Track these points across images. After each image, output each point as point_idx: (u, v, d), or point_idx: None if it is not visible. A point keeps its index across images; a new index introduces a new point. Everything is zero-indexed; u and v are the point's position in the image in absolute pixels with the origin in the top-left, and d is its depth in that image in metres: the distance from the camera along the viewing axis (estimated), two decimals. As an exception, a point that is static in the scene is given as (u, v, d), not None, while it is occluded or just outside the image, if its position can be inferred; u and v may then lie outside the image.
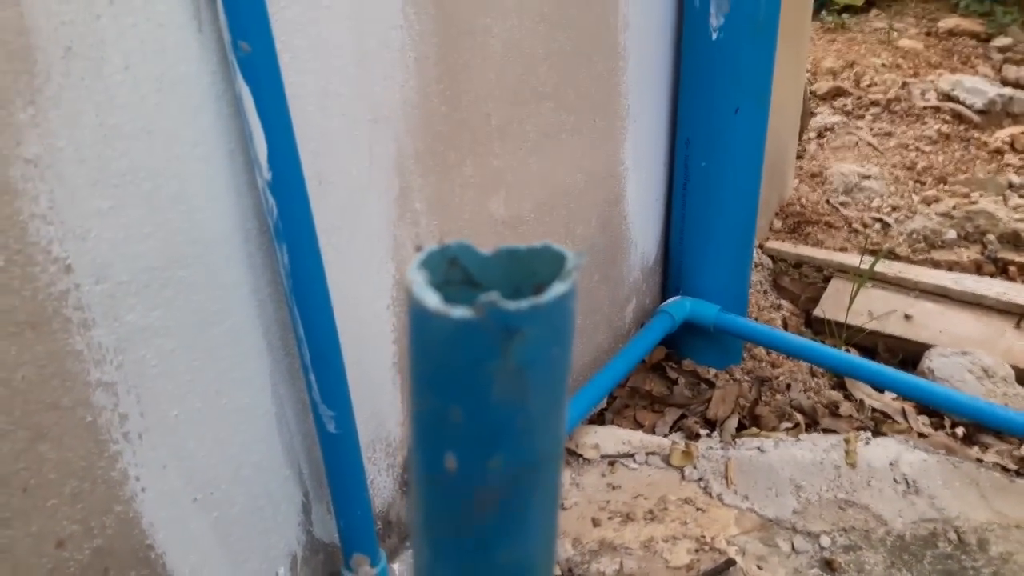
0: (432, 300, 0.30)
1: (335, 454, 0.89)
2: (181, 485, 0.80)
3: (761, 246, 2.17)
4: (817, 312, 1.90)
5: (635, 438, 1.44)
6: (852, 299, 1.77)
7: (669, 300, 1.65)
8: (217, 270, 0.78)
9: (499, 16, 1.03)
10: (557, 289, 0.30)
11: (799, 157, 2.62)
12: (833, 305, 1.90)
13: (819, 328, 1.88)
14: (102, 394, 0.70)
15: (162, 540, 0.79)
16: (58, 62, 0.60)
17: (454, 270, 0.34)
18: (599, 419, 1.56)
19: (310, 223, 0.79)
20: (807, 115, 2.61)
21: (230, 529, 0.87)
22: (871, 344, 1.81)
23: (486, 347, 0.29)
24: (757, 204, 1.61)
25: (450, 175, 1.02)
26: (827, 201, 2.36)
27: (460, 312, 0.29)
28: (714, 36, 1.41)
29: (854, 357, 1.54)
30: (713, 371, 1.69)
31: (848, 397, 1.63)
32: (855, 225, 2.26)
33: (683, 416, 1.57)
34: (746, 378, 1.67)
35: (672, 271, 1.73)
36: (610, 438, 1.44)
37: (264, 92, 0.71)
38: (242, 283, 0.80)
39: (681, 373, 1.69)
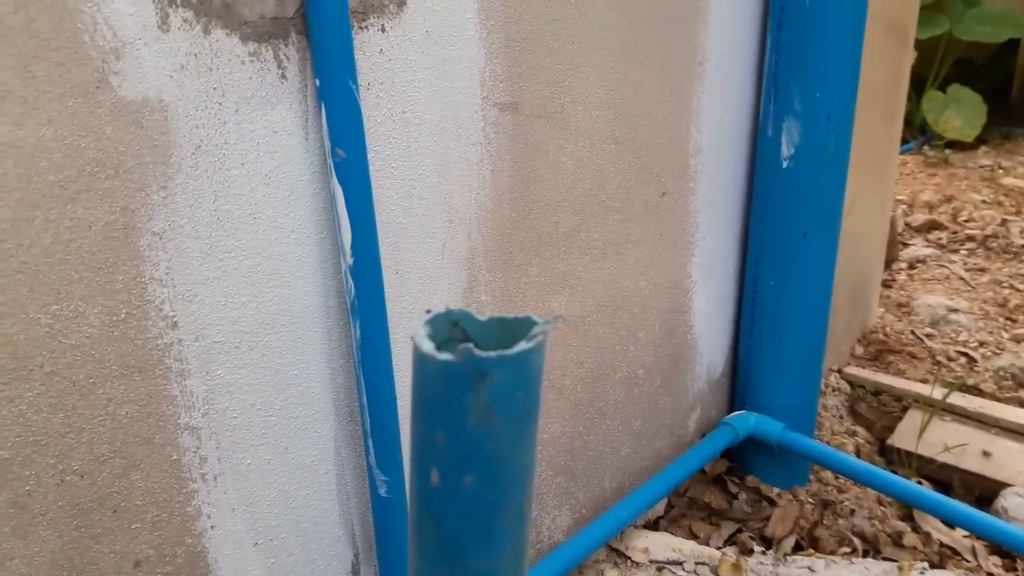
0: (427, 346, 0.39)
1: (385, 518, 0.97)
2: (245, 529, 0.89)
3: (840, 371, 2.17)
4: (891, 441, 1.88)
5: (687, 547, 1.46)
6: (923, 428, 1.75)
7: (733, 413, 1.68)
8: (299, 339, 0.90)
9: (572, 138, 1.15)
10: (522, 346, 0.38)
11: (887, 286, 2.62)
12: (908, 435, 1.87)
13: (892, 458, 1.85)
14: (188, 437, 0.82)
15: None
16: (189, 157, 0.75)
17: (456, 331, 0.43)
18: (654, 525, 1.58)
19: (382, 304, 0.90)
20: (895, 245, 2.62)
21: (285, 578, 0.95)
22: (946, 478, 1.77)
23: (463, 385, 0.38)
24: (826, 326, 1.65)
25: (516, 273, 1.13)
26: (912, 332, 2.34)
27: (445, 356, 0.38)
28: (784, 164, 1.50)
29: (922, 488, 1.52)
30: (776, 490, 1.69)
31: (915, 529, 1.60)
32: (939, 358, 2.23)
33: (739, 531, 1.57)
34: (810, 500, 1.66)
35: (739, 385, 1.76)
36: (661, 544, 1.46)
37: (353, 191, 0.84)
38: (319, 352, 0.92)
39: (743, 488, 1.69)
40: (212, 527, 0.86)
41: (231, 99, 0.77)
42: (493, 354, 0.38)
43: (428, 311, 0.42)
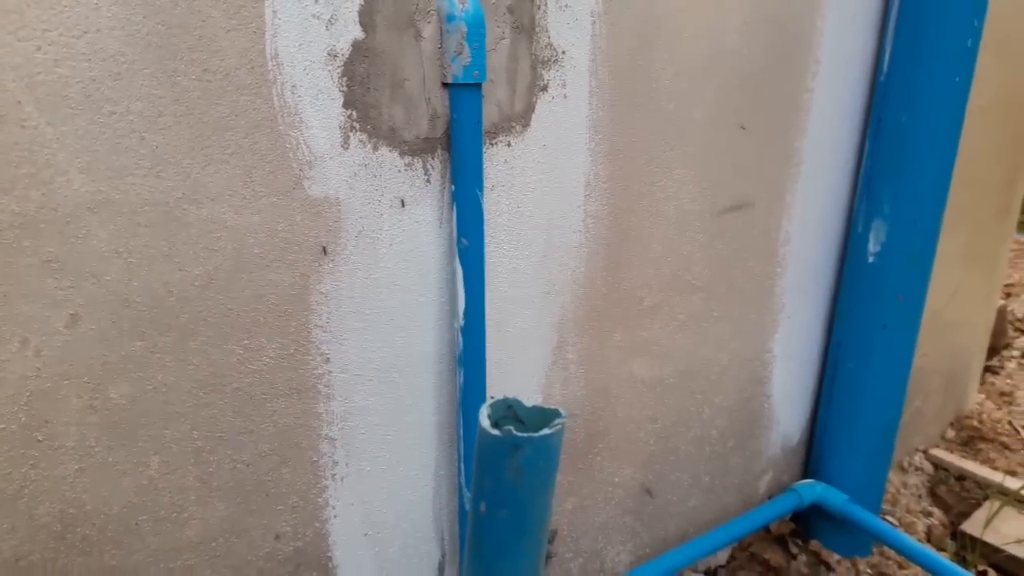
0: (486, 423, 0.61)
1: (468, 529, 1.19)
2: (359, 521, 1.14)
3: (926, 452, 2.23)
4: (964, 527, 1.94)
5: (739, 596, 1.60)
6: (991, 517, 1.81)
7: (801, 481, 1.81)
8: (417, 378, 1.14)
9: (662, 226, 1.35)
10: (544, 431, 0.60)
11: (994, 373, 2.63)
12: (982, 523, 1.93)
13: (963, 543, 1.91)
14: (326, 445, 1.07)
15: (338, 556, 1.13)
16: (353, 239, 1.00)
17: (509, 412, 0.65)
18: (713, 573, 1.73)
19: (483, 357, 1.13)
20: (1003, 334, 2.62)
21: (384, 565, 1.19)
22: (1015, 570, 1.82)
23: (504, 452, 0.60)
24: (899, 412, 1.75)
25: (601, 338, 1.33)
26: (1009, 422, 2.36)
27: (495, 432, 0.60)
28: (870, 260, 1.63)
29: (977, 577, 1.60)
30: (837, 557, 1.80)
31: (969, 616, 1.67)
32: (1034, 452, 2.24)
33: (794, 590, 1.70)
34: (868, 570, 1.77)
35: (814, 455, 1.88)
36: (716, 590, 1.61)
37: (471, 271, 1.07)
38: (430, 389, 1.15)
39: (804, 551, 1.81)
40: (335, 516, 1.12)
41: (387, 197, 1.02)
42: (524, 435, 0.59)
43: (491, 397, 0.64)
